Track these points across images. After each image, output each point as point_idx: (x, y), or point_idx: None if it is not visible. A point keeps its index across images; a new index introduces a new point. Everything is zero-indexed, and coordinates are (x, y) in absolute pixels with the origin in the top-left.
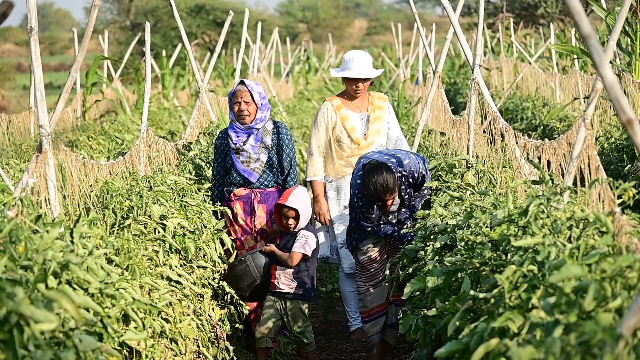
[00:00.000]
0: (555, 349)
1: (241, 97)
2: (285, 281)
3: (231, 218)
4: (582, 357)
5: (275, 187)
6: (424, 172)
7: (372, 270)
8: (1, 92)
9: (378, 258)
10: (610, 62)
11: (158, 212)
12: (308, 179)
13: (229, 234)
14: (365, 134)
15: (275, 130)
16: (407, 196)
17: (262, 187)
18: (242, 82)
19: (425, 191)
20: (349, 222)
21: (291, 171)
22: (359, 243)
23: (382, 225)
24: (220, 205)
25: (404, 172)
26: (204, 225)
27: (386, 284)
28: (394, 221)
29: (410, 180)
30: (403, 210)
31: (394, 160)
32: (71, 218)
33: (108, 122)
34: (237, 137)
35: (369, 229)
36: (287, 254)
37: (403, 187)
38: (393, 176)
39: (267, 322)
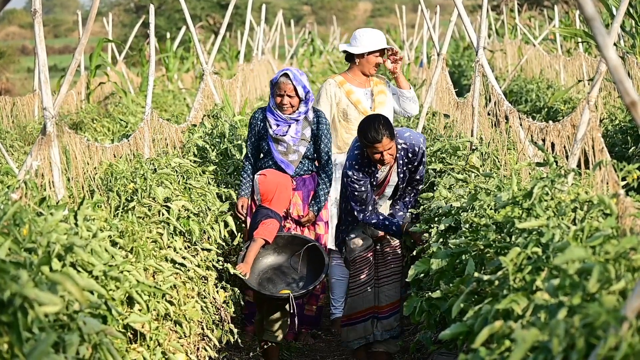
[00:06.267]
0: (559, 331)
1: (284, 91)
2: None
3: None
4: (586, 339)
5: (311, 173)
6: (424, 149)
7: (357, 269)
8: (5, 74)
9: (365, 258)
10: (615, 44)
11: (162, 195)
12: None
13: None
14: (371, 107)
15: (315, 120)
16: (402, 175)
17: (298, 175)
18: (286, 75)
19: (420, 187)
20: (338, 216)
21: (328, 161)
22: (346, 236)
23: (369, 210)
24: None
25: (404, 145)
26: (208, 207)
27: (370, 290)
28: (381, 205)
29: (410, 155)
30: (397, 207)
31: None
32: (75, 201)
33: (112, 104)
34: (278, 125)
35: (358, 209)
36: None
37: (401, 161)
38: (390, 123)
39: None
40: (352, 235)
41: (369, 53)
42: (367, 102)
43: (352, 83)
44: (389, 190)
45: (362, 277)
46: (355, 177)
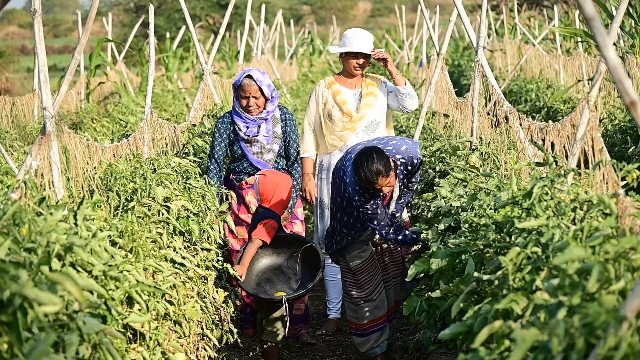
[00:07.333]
0: (558, 330)
1: (249, 93)
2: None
3: (235, 204)
4: (585, 339)
5: (285, 171)
6: (421, 158)
7: (365, 279)
8: (5, 74)
9: (369, 267)
10: (614, 44)
11: (162, 195)
12: (299, 156)
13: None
14: (357, 109)
15: (283, 117)
16: (402, 186)
17: None
18: (249, 76)
19: (415, 187)
20: (332, 223)
21: (297, 158)
22: (348, 247)
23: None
24: (226, 191)
25: (401, 160)
26: (207, 207)
27: (378, 298)
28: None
29: (409, 167)
30: (394, 209)
31: (389, 148)
32: (75, 200)
33: (112, 104)
34: (247, 127)
35: (378, 227)
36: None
37: (402, 175)
38: (384, 158)
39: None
40: (353, 248)
41: (345, 54)
42: (353, 103)
43: (343, 84)
44: (392, 205)
45: (367, 287)
46: (363, 199)
